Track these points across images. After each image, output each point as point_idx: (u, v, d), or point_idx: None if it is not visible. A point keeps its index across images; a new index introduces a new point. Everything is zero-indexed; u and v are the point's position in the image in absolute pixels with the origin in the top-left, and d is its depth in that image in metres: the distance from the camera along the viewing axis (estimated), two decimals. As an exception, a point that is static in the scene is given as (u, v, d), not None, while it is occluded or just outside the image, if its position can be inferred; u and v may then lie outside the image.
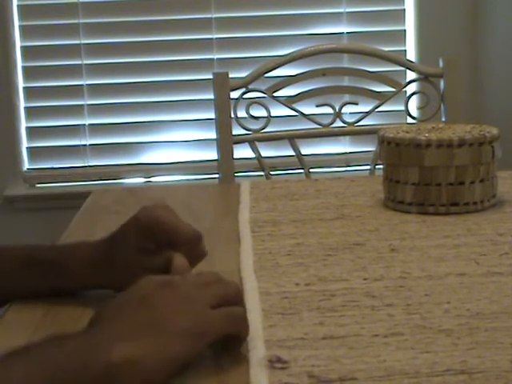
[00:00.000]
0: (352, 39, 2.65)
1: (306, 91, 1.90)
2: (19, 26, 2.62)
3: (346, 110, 1.91)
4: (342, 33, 2.66)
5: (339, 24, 2.67)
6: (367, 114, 1.90)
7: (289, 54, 1.88)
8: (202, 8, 2.64)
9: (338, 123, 1.89)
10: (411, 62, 2.08)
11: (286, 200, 1.36)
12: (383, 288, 0.91)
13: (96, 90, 2.64)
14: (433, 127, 1.32)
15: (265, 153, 1.91)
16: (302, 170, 1.90)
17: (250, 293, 0.90)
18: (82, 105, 2.64)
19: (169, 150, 2.67)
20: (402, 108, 1.91)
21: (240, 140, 1.84)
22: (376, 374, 0.70)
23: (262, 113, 1.84)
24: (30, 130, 2.65)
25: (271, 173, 1.89)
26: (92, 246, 0.92)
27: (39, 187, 2.67)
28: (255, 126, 1.85)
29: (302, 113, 1.88)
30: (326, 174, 2.57)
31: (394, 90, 1.89)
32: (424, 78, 1.89)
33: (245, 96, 1.85)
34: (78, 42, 2.62)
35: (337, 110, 1.88)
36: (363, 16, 2.67)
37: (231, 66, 2.47)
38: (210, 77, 1.83)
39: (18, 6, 2.61)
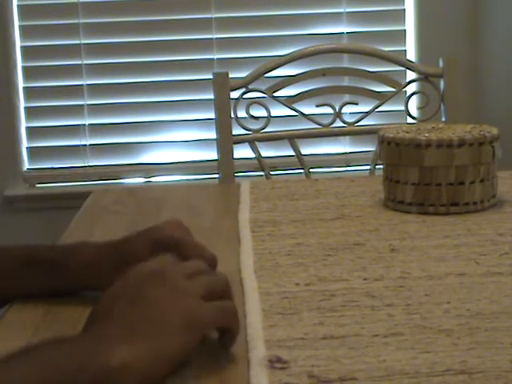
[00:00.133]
0: (352, 39, 2.65)
1: (305, 91, 1.90)
2: (19, 26, 2.62)
3: (346, 110, 1.91)
4: (342, 33, 2.67)
5: (339, 24, 2.67)
6: (367, 114, 1.90)
7: (289, 54, 1.88)
8: (202, 8, 2.64)
9: (338, 123, 1.89)
10: (411, 61, 2.07)
11: (285, 200, 1.36)
12: (383, 288, 0.91)
13: (96, 89, 2.64)
14: (433, 127, 1.32)
15: (265, 153, 1.91)
16: (302, 170, 1.90)
17: (250, 293, 0.90)
18: (82, 105, 2.64)
19: (169, 149, 2.67)
20: (402, 108, 1.91)
21: (240, 140, 1.84)
22: (376, 373, 0.70)
23: (262, 113, 1.84)
24: (29, 129, 2.65)
25: (271, 173, 1.89)
26: (93, 247, 0.92)
27: (39, 187, 2.67)
28: (255, 126, 1.85)
29: (301, 113, 1.88)
30: (326, 174, 2.57)
31: (393, 90, 1.89)
32: (424, 77, 1.89)
33: (245, 96, 1.85)
34: (77, 42, 2.62)
35: (337, 110, 1.88)
36: (363, 16, 2.67)
37: (231, 66, 2.47)
38: (210, 77, 1.83)
39: (17, 5, 2.61)
